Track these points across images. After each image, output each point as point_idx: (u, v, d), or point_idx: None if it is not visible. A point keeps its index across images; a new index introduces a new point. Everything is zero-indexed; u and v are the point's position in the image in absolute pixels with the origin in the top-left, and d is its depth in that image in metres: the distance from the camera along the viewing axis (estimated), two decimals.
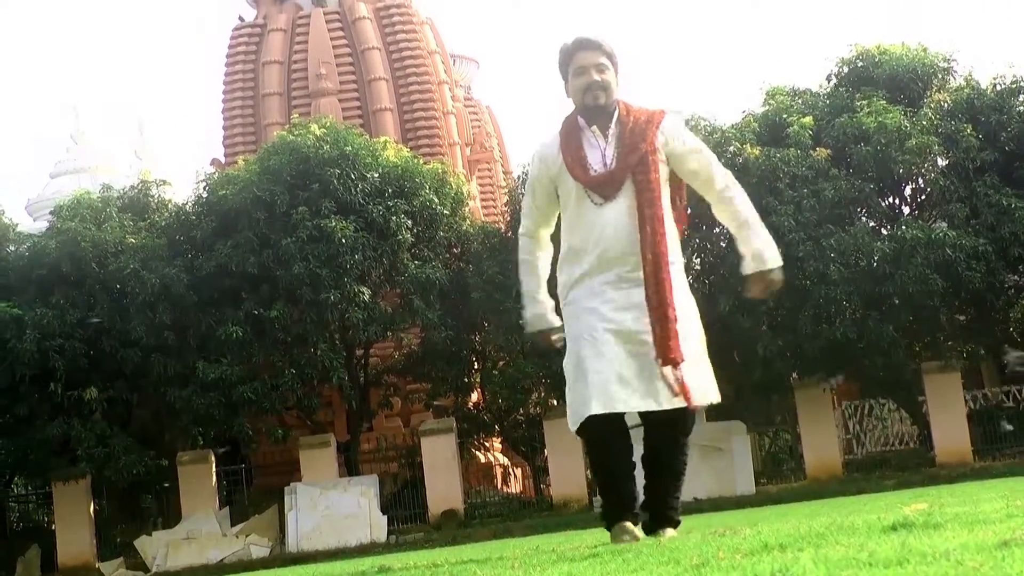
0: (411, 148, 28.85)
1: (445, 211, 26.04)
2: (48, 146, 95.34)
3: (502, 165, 36.83)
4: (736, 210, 5.66)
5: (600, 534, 5.92)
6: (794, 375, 24.98)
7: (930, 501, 6.58)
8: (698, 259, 24.88)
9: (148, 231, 26.02)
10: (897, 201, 25.78)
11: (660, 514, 5.51)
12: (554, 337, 5.67)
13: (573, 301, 5.47)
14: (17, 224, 28.35)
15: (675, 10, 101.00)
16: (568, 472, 24.76)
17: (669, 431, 5.46)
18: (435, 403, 27.38)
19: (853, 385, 27.83)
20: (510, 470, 30.42)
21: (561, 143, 5.54)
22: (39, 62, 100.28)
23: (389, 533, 24.15)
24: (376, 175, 25.23)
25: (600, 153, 5.46)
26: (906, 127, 23.71)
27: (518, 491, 29.51)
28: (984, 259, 23.05)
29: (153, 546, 24.46)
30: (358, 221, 24.64)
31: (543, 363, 23.36)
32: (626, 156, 5.41)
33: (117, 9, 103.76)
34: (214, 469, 25.83)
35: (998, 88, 25.24)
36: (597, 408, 5.22)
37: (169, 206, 27.51)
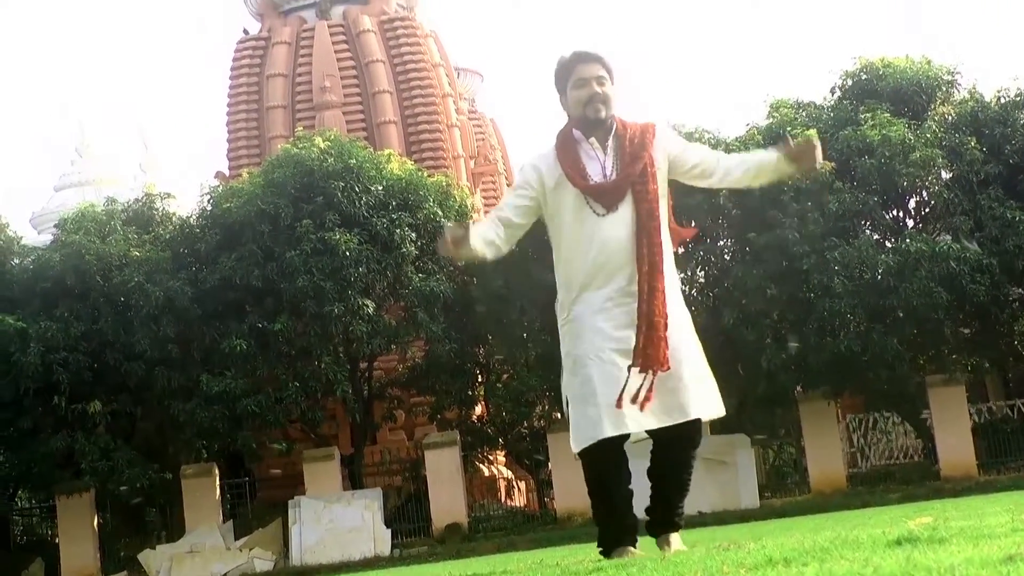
0: (415, 161, 28.88)
1: (449, 224, 25.97)
2: (53, 159, 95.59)
3: (506, 177, 36.84)
4: (740, 156, 5.77)
5: None
6: (798, 388, 24.96)
7: (935, 515, 6.56)
8: (702, 272, 24.83)
9: (152, 244, 26.04)
10: (901, 214, 25.78)
11: (664, 520, 5.47)
12: (453, 235, 5.33)
13: (576, 318, 5.39)
14: (21, 237, 28.44)
15: (679, 23, 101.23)
16: (572, 485, 24.64)
17: (678, 445, 5.40)
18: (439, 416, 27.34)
19: (857, 398, 27.77)
20: (514, 483, 30.37)
21: (558, 154, 5.45)
22: (44, 76, 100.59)
23: (393, 547, 24.12)
24: (380, 188, 25.25)
25: (600, 165, 5.41)
26: (910, 140, 23.71)
27: (522, 504, 29.45)
28: (988, 272, 23.03)
29: (157, 560, 24.43)
30: (362, 234, 24.65)
31: (547, 376, 23.34)
32: (628, 166, 5.38)
33: (122, 21, 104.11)
34: (218, 482, 25.84)
35: (1002, 101, 25.27)
36: (610, 430, 5.15)
37: (173, 219, 27.55)
